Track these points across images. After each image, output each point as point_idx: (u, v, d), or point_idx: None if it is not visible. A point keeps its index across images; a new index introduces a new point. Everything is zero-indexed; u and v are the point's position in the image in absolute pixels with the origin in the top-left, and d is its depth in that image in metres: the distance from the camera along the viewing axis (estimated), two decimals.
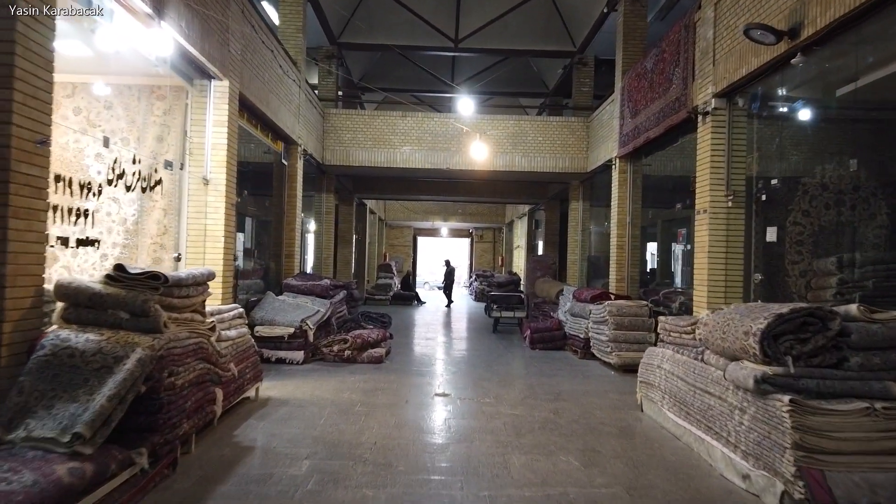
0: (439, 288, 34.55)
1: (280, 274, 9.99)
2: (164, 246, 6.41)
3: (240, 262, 8.80)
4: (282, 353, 7.92)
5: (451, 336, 11.87)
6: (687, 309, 8.15)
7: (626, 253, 10.21)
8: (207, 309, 5.03)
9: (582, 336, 9.26)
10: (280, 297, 8.81)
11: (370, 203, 21.37)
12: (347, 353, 8.17)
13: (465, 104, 12.22)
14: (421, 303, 20.86)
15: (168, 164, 6.38)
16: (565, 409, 5.89)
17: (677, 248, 10.78)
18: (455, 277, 20.70)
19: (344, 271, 16.92)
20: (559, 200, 17.07)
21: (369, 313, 9.99)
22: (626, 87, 9.87)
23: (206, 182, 6.64)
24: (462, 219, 27.59)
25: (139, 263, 6.04)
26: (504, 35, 13.60)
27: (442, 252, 35.25)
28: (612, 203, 10.52)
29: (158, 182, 6.32)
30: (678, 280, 10.13)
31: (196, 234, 6.65)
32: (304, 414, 5.47)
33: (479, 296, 23.57)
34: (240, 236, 8.55)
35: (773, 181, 6.55)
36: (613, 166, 10.45)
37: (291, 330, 7.91)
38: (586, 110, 12.84)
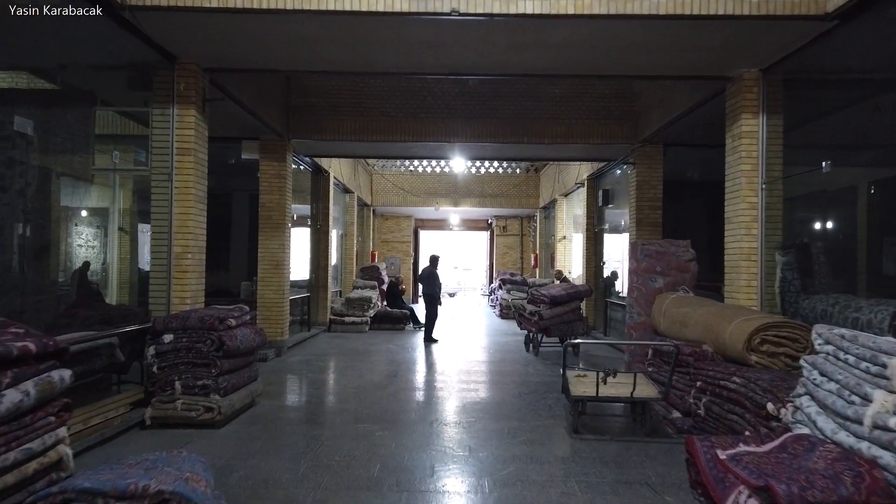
0: (450, 295, 27.04)
1: None
2: None
3: None
4: None
5: (466, 473, 4.28)
6: None
7: None
8: None
9: None
10: None
11: (339, 173, 13.82)
12: None
13: None
14: (418, 325, 13.34)
15: None
16: None
17: None
18: (440, 284, 11.85)
19: (272, 280, 9.39)
20: (662, 146, 9.36)
21: (89, 490, 2.28)
22: None
23: None
24: (478, 202, 19.95)
25: None
26: None
27: (453, 250, 27.65)
28: None
29: None
30: None
31: None
32: None
33: (506, 311, 16.03)
34: None
35: None
36: None
37: None
38: None
